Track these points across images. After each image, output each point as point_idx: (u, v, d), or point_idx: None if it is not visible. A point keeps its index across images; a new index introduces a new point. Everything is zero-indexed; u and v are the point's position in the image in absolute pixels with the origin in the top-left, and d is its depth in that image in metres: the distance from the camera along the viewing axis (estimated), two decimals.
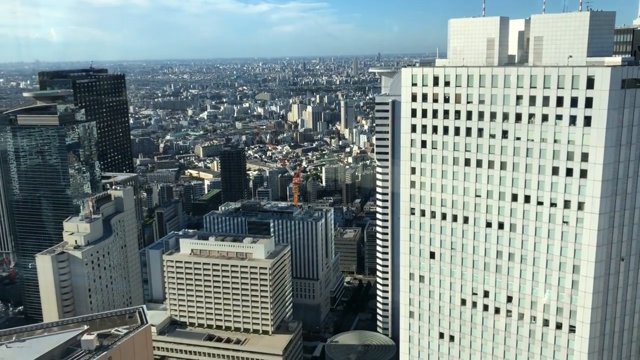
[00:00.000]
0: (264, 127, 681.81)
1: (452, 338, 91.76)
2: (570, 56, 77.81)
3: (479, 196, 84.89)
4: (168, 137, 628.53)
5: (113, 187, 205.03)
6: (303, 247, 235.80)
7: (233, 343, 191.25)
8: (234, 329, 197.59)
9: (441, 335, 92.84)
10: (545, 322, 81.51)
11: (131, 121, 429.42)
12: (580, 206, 75.77)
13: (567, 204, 76.83)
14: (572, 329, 79.13)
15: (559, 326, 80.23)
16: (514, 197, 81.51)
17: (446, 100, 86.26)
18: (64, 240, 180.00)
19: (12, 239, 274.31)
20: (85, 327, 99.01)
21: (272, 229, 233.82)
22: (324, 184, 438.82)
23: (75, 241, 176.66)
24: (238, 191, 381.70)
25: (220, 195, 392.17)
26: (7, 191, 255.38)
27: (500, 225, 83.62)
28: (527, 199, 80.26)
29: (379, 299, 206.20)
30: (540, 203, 79.12)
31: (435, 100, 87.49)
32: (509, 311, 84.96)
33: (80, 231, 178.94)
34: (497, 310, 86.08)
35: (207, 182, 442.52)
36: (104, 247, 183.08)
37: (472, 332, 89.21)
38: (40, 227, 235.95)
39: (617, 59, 75.39)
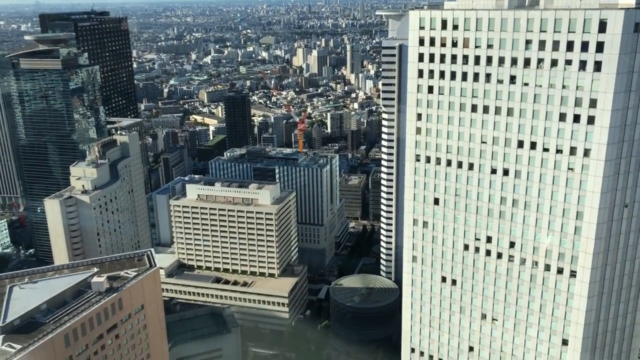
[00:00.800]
0: (269, 71, 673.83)
1: (454, 282, 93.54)
2: None
3: (485, 143, 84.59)
4: (172, 82, 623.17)
5: (118, 132, 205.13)
6: (308, 193, 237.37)
7: (240, 285, 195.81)
8: (241, 272, 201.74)
9: (443, 279, 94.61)
10: (547, 267, 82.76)
11: (134, 65, 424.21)
12: (587, 153, 75.53)
13: (573, 151, 76.57)
14: (572, 274, 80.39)
15: (560, 271, 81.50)
16: (520, 144, 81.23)
17: (454, 44, 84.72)
18: (72, 184, 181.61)
19: (20, 183, 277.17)
20: (95, 269, 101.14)
21: (277, 176, 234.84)
22: (329, 130, 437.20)
23: (83, 186, 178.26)
24: (243, 137, 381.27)
25: (225, 141, 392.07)
26: (13, 136, 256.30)
27: (505, 172, 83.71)
28: (533, 145, 79.97)
29: (382, 244, 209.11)
30: (546, 150, 78.88)
31: (443, 45, 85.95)
32: (511, 256, 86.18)
33: (87, 176, 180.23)
34: (499, 255, 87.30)
35: (212, 128, 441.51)
36: (111, 192, 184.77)
37: (474, 276, 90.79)
38: (47, 171, 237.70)
39: (630, 1, 73.35)
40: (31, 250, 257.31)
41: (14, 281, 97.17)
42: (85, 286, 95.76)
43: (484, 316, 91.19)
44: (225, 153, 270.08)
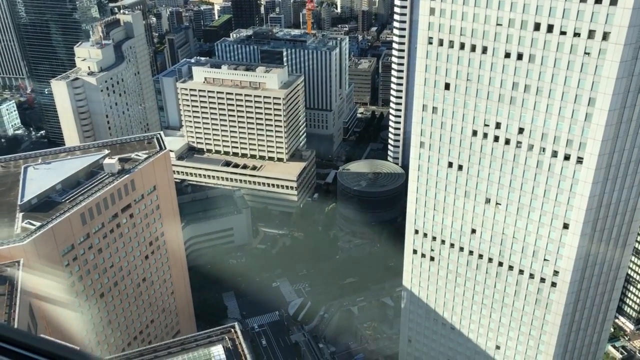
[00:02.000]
0: None
1: (460, 167, 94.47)
2: None
3: (500, 25, 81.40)
4: None
5: (121, 11, 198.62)
6: (317, 77, 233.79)
7: (249, 169, 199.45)
8: (250, 156, 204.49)
9: (450, 165, 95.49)
10: (554, 154, 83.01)
11: None
12: (605, 36, 72.73)
13: (591, 34, 73.72)
14: (579, 160, 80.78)
15: (567, 157, 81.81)
16: (537, 26, 78.09)
17: None
18: (77, 66, 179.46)
19: (25, 64, 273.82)
20: (106, 151, 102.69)
21: (285, 58, 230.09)
22: (339, 10, 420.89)
23: (89, 67, 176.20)
24: (249, 17, 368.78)
25: (231, 21, 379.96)
26: (14, 14, 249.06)
27: (519, 56, 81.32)
28: (550, 28, 76.90)
29: (391, 129, 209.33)
30: (563, 33, 75.93)
31: None
32: (519, 142, 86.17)
33: (92, 57, 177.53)
34: (507, 141, 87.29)
35: (217, 7, 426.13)
36: (117, 74, 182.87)
37: (481, 162, 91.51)
38: (51, 52, 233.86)
39: None
40: (42, 132, 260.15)
41: (27, 162, 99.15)
42: (98, 167, 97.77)
43: (488, 200, 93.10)
44: (231, 34, 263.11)
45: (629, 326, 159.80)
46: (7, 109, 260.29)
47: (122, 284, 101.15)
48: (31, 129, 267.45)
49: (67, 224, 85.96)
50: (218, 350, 64.65)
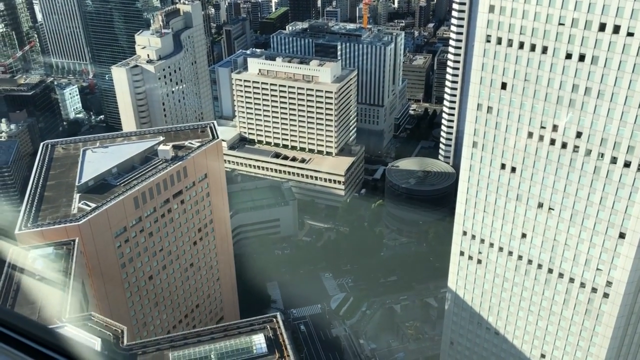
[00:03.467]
0: None
1: (513, 169, 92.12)
2: None
3: (563, 24, 78.69)
4: None
5: (181, 1, 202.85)
6: (370, 72, 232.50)
7: (298, 162, 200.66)
8: (300, 148, 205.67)
9: (502, 166, 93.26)
10: (613, 160, 79.84)
11: None
12: None
13: None
14: None
15: (627, 165, 78.56)
16: (602, 27, 75.08)
17: None
18: (137, 53, 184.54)
19: (89, 50, 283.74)
20: (161, 138, 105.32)
21: (339, 52, 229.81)
22: (395, 5, 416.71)
23: (148, 55, 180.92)
24: (306, 10, 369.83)
25: (287, 14, 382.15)
26: (80, 2, 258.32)
27: (581, 57, 78.43)
28: (616, 29, 73.81)
29: (443, 127, 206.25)
30: (630, 34, 72.75)
31: None
32: (576, 147, 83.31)
33: (151, 45, 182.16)
34: (564, 145, 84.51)
35: (274, 0, 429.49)
36: (174, 63, 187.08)
37: (535, 165, 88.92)
38: (113, 39, 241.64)
39: None
40: (101, 117, 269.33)
41: (86, 145, 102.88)
42: (152, 153, 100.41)
43: (540, 205, 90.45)
44: (287, 27, 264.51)
45: None
46: (70, 93, 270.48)
47: (170, 267, 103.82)
48: (91, 113, 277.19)
49: (120, 206, 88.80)
50: (259, 339, 65.46)
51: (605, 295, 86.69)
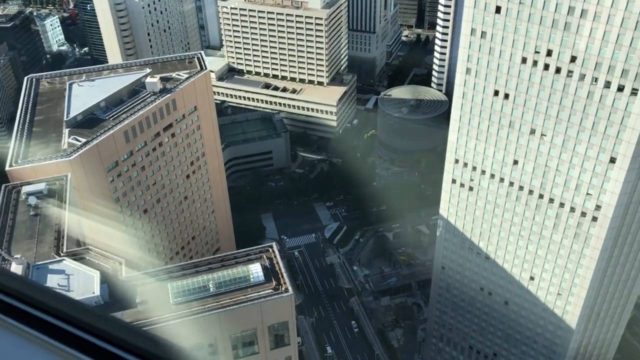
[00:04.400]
0: None
1: (506, 96, 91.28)
2: None
3: None
4: None
5: None
6: None
7: (289, 92, 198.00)
8: (290, 78, 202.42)
9: (496, 93, 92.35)
10: (607, 84, 79.13)
11: None
12: None
13: None
14: (634, 92, 76.86)
15: (620, 89, 77.95)
16: None
17: None
18: None
19: None
20: (148, 70, 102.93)
21: None
22: None
23: None
24: None
25: None
26: None
27: None
28: None
29: (436, 54, 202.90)
30: None
31: None
32: (570, 71, 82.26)
33: None
34: (557, 70, 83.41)
35: None
36: None
37: (528, 91, 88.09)
38: None
39: None
40: (85, 49, 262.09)
41: (72, 78, 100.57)
42: (140, 86, 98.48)
43: (533, 131, 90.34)
44: None
45: None
46: (51, 25, 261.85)
47: (164, 201, 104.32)
48: (75, 45, 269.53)
49: (111, 141, 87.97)
50: (256, 268, 66.66)
51: (594, 219, 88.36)
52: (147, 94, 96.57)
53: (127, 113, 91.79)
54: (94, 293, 58.04)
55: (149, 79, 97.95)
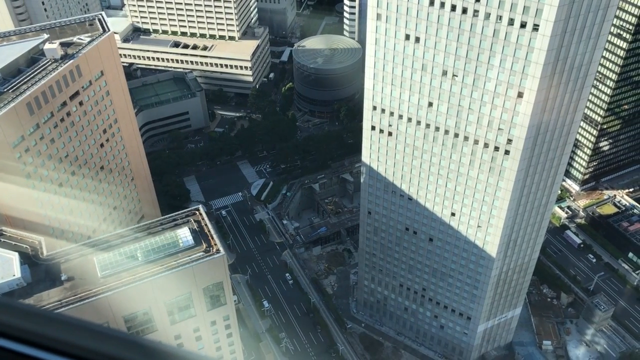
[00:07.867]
0: None
1: (417, 39, 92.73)
2: None
3: None
4: None
5: None
6: None
7: (200, 49, 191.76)
8: (200, 35, 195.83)
9: (407, 37, 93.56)
10: (510, 22, 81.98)
11: None
12: None
13: None
14: (535, 28, 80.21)
15: (523, 25, 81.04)
16: None
17: None
18: None
19: None
20: (46, 35, 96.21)
21: None
22: None
23: None
24: None
25: None
26: None
27: None
28: None
29: (346, 2, 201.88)
30: None
31: None
32: (476, 11, 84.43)
33: None
34: (464, 10, 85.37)
35: None
36: None
37: (438, 33, 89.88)
38: None
39: None
40: None
41: None
42: (39, 53, 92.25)
43: (444, 73, 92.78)
44: None
45: (574, 187, 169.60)
46: None
47: (80, 172, 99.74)
48: None
49: (13, 114, 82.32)
50: (184, 233, 65.81)
51: (507, 152, 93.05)
52: (48, 62, 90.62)
53: (27, 84, 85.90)
54: (14, 276, 55.45)
55: (47, 45, 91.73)
